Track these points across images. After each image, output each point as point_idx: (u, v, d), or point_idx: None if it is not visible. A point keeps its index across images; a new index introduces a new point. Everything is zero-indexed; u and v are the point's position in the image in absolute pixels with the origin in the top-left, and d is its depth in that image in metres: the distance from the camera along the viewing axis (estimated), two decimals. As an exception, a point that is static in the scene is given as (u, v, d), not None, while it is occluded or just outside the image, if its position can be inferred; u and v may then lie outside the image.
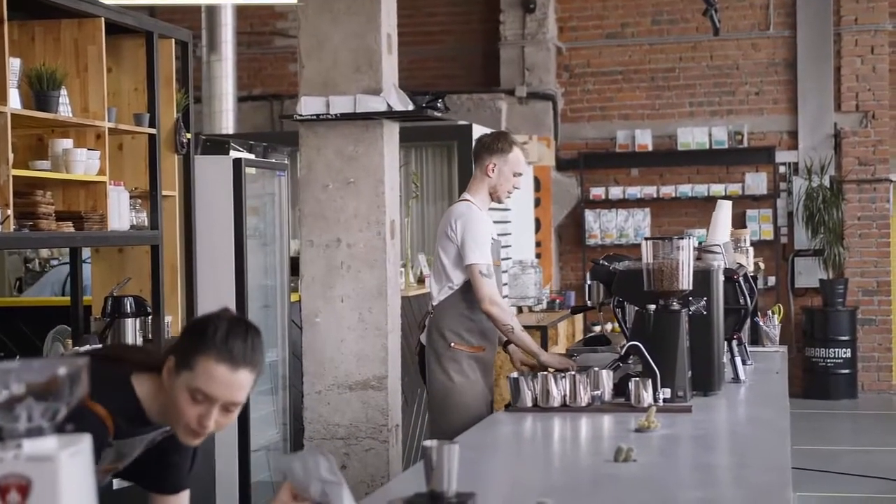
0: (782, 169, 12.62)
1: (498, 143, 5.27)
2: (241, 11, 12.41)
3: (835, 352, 12.13)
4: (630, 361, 4.38)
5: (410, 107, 5.70)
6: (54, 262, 8.44)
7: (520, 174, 5.29)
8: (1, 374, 1.72)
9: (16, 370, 1.72)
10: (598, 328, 12.05)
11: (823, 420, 11.27)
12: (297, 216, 6.31)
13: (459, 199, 5.39)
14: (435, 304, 5.26)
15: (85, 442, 1.75)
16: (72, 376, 1.73)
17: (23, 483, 1.67)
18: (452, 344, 5.14)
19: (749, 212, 12.53)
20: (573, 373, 4.26)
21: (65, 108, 4.91)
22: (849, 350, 12.15)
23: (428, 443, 2.71)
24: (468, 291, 5.11)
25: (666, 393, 4.21)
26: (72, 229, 4.95)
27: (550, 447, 3.85)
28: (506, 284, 9.87)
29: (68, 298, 5.77)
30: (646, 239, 4.39)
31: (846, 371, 12.16)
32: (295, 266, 6.13)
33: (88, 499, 1.74)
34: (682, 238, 4.34)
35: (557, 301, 11.09)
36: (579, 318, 11.32)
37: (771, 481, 2.99)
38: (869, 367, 12.45)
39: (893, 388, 12.53)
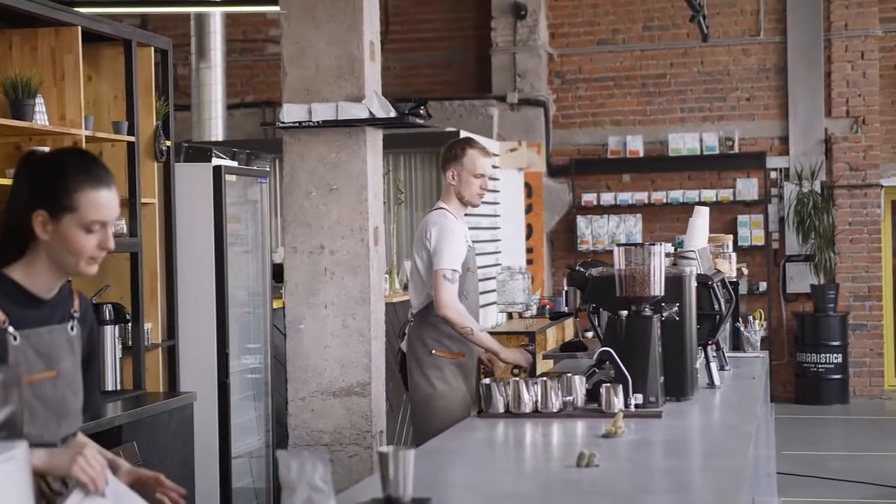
0: (773, 174, 12.64)
1: (451, 150, 5.36)
2: (233, 19, 12.44)
3: (826, 357, 12.13)
4: (605, 367, 4.39)
5: (392, 114, 5.71)
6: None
7: (481, 175, 5.32)
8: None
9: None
10: (590, 334, 12.04)
11: (814, 425, 11.28)
12: (281, 223, 6.32)
13: (434, 207, 5.46)
14: (415, 311, 5.32)
15: (19, 450, 1.76)
16: (5, 383, 1.75)
17: (-47, 489, 1.68)
18: (434, 351, 5.19)
19: (740, 217, 12.54)
20: (545, 378, 4.27)
21: (41, 116, 4.93)
22: (840, 355, 12.15)
23: (383, 449, 2.73)
24: None
25: (638, 399, 4.22)
26: (49, 237, 4.96)
27: (518, 453, 3.86)
28: (493, 291, 9.89)
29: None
30: (618, 245, 4.41)
31: (837, 376, 12.16)
32: (279, 273, 6.15)
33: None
34: (654, 244, 4.36)
35: (548, 307, 11.09)
36: (569, 323, 11.32)
37: (727, 485, 3.00)
38: (860, 373, 12.46)
39: (884, 393, 12.53)
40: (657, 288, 4.31)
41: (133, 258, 5.66)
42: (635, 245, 4.39)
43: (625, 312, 4.33)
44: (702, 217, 5.54)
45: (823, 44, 12.52)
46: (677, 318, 4.45)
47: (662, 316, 4.39)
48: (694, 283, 4.60)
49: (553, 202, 12.88)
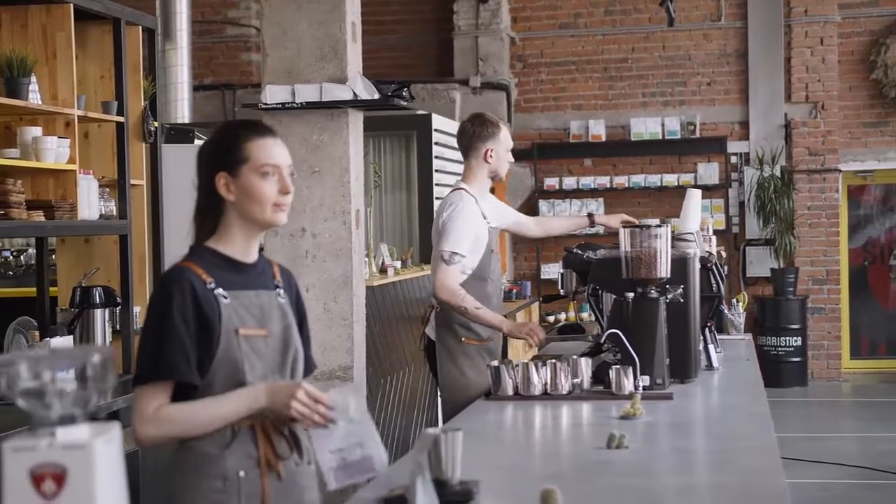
0: (734, 159, 12.74)
1: (488, 128, 5.29)
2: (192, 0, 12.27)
3: (785, 340, 12.27)
4: (606, 349, 4.39)
5: (376, 95, 5.68)
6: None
7: (510, 148, 5.40)
8: (31, 362, 1.70)
9: (47, 358, 1.70)
10: (563, 316, 12.11)
11: (774, 407, 11.19)
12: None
13: (454, 188, 5.32)
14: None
15: (115, 430, 1.73)
16: (104, 364, 1.72)
17: (58, 472, 1.65)
18: (463, 339, 5.09)
19: (701, 201, 12.60)
20: (553, 361, 4.26)
21: (34, 96, 4.84)
22: (799, 338, 12.29)
23: (432, 430, 2.70)
24: (474, 284, 5.05)
25: (645, 380, 4.22)
26: (42, 218, 4.88)
27: (537, 435, 3.85)
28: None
29: (34, 289, 5.67)
30: (624, 227, 4.41)
31: (797, 359, 12.31)
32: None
33: (121, 485, 1.73)
34: (660, 226, 4.36)
35: (514, 291, 11.13)
36: (535, 307, 11.36)
37: (764, 466, 3.01)
38: (819, 356, 12.61)
39: (842, 375, 12.69)
40: (663, 270, 4.32)
41: (122, 241, 5.56)
42: (641, 227, 4.38)
43: (631, 294, 4.33)
44: (695, 199, 5.57)
45: (783, 29, 12.62)
46: (682, 300, 4.45)
47: (667, 298, 4.40)
48: (697, 265, 4.62)
49: (515, 186, 12.89)
